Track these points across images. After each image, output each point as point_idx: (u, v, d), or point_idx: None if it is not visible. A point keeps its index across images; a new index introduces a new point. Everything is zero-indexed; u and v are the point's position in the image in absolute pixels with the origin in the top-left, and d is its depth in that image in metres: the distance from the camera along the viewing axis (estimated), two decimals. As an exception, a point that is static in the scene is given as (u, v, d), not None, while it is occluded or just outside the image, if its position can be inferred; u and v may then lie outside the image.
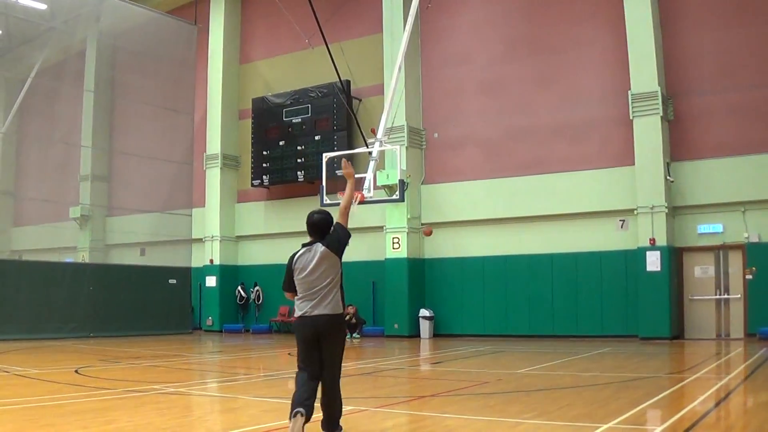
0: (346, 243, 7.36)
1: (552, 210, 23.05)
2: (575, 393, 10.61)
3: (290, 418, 6.61)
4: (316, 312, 7.01)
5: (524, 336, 23.00)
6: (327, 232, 7.40)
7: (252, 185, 28.69)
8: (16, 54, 31.29)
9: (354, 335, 23.90)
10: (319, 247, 7.23)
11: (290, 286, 7.27)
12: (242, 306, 29.03)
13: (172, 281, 27.44)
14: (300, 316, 7.10)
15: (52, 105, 30.44)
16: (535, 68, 23.82)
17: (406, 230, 24.69)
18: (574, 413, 8.74)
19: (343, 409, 7.25)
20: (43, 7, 28.06)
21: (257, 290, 28.50)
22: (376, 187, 21.81)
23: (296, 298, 7.21)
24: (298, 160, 27.19)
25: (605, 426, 7.67)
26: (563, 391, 10.90)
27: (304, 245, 7.43)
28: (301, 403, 6.64)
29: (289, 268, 7.32)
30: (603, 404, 9.33)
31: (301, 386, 6.89)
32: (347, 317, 24.16)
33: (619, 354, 17.40)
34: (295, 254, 7.38)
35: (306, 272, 7.14)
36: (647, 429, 8.11)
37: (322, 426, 7.08)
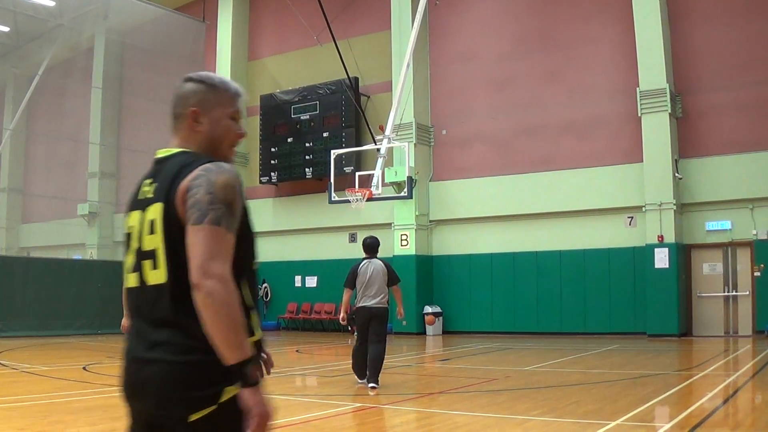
0: (396, 280, 11.72)
1: (560, 207, 23.01)
2: (584, 390, 10.59)
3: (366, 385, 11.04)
4: (370, 304, 11.29)
5: (532, 333, 22.98)
6: (377, 250, 11.79)
7: (260, 182, 28.69)
8: (24, 51, 31.38)
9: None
10: (379, 264, 11.50)
11: (351, 284, 11.54)
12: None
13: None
14: (360, 306, 11.40)
15: (61, 102, 30.52)
16: (544, 65, 23.77)
17: (414, 227, 24.67)
18: (582, 410, 8.73)
19: (382, 367, 11.12)
20: (51, 4, 28.11)
21: (265, 287, 28.50)
22: (384, 184, 21.81)
23: (358, 293, 11.43)
24: (307, 157, 27.18)
25: (614, 423, 7.66)
26: (571, 388, 10.89)
27: (364, 259, 11.62)
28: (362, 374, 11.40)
29: (353, 272, 11.52)
30: (611, 401, 9.31)
31: (359, 357, 11.49)
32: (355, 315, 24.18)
33: (628, 351, 17.38)
34: (359, 264, 11.57)
35: (367, 278, 11.36)
36: (655, 426, 8.09)
37: (368, 379, 11.06)
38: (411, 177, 21.99)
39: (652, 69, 21.44)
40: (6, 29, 29.89)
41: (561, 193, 22.95)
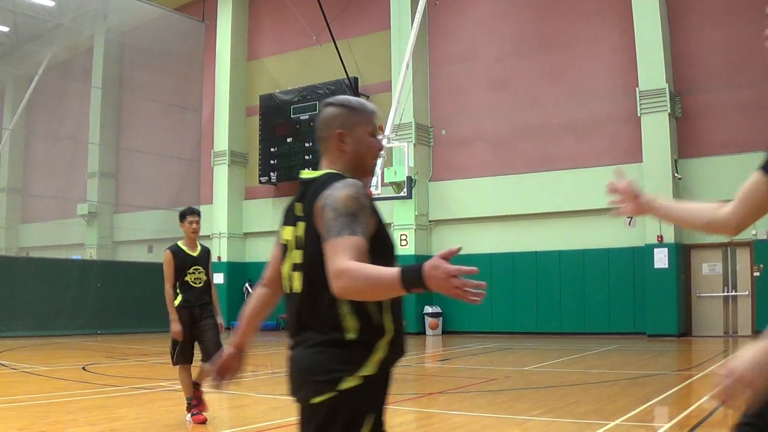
0: None
1: (559, 207, 23.02)
2: (583, 390, 10.60)
3: None
4: None
5: (531, 333, 22.99)
6: None
7: (260, 182, 28.70)
8: (23, 51, 31.38)
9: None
10: None
11: None
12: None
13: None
14: None
15: (60, 102, 30.52)
16: (543, 65, 23.77)
17: (414, 227, 24.68)
18: (581, 410, 8.74)
19: None
20: (50, 4, 28.12)
21: (264, 287, 28.49)
22: (383, 184, 21.81)
23: None
24: (306, 157, 27.19)
25: (613, 423, 7.66)
26: (571, 388, 10.90)
27: None
28: None
29: None
30: (611, 401, 9.32)
31: None
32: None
33: (627, 351, 17.38)
34: None
35: None
36: (655, 426, 8.09)
37: None
38: (410, 177, 21.98)
39: (652, 69, 21.45)
40: (5, 29, 29.89)
41: (560, 193, 22.95)
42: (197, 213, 8.77)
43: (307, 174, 3.07)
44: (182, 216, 8.68)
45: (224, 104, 29.90)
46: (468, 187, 24.66)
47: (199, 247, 8.72)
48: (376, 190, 21.44)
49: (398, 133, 23.45)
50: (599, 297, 22.25)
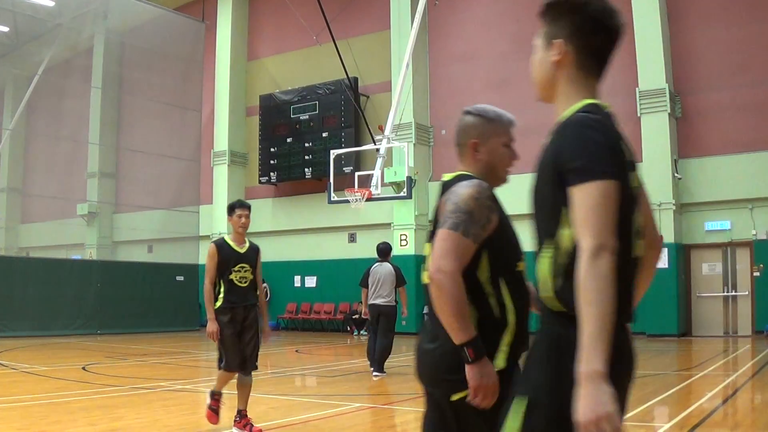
0: (403, 282, 13.55)
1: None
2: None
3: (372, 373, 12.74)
4: (380, 302, 13.03)
5: (531, 332, 22.94)
6: (389, 254, 13.78)
7: (259, 182, 28.70)
8: (23, 51, 31.39)
9: (362, 332, 23.90)
10: (389, 267, 13.30)
11: (365, 284, 13.27)
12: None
13: (180, 278, 27.47)
14: (371, 304, 13.12)
15: (60, 102, 30.53)
16: (543, 65, 23.75)
17: (414, 227, 24.66)
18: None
19: (388, 357, 13.06)
20: (50, 4, 28.12)
21: (265, 287, 28.45)
22: (383, 184, 21.80)
23: (370, 292, 13.13)
24: (306, 157, 27.19)
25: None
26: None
27: (376, 261, 13.55)
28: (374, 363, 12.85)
29: (367, 273, 13.32)
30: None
31: (371, 347, 13.05)
32: (355, 315, 24.20)
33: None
34: (372, 266, 13.47)
35: (377, 278, 13.10)
36: (655, 426, 8.09)
37: (375, 365, 12.76)
38: (410, 177, 21.98)
39: (652, 69, 21.45)
40: (5, 29, 29.91)
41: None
42: (247, 207, 8.00)
43: (445, 176, 3.33)
44: (231, 209, 7.97)
45: (224, 104, 29.90)
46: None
47: (247, 244, 7.97)
48: (376, 190, 21.44)
49: (398, 133, 23.46)
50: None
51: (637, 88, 21.56)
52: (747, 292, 20.81)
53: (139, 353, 17.88)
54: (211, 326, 7.77)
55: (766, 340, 19.01)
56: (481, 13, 25.12)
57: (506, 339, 2.97)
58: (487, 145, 3.31)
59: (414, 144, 24.52)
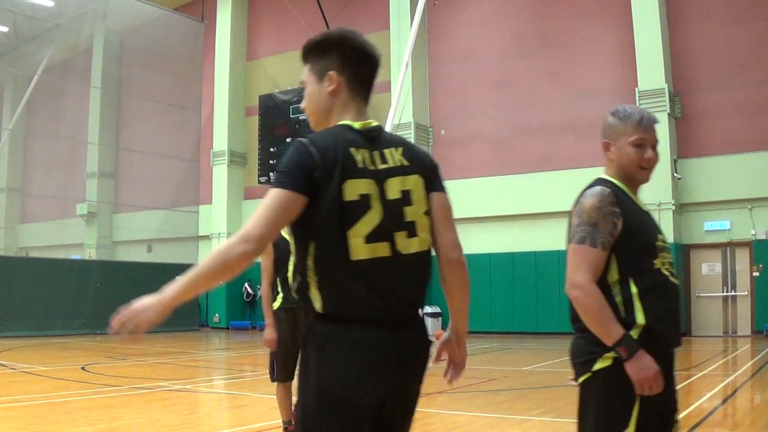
0: None
1: (559, 207, 22.99)
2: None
3: None
4: None
5: (531, 333, 22.98)
6: None
7: (259, 182, 28.70)
8: (22, 51, 31.45)
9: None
10: None
11: None
12: (249, 303, 29.03)
13: (179, 278, 27.41)
14: None
15: (59, 102, 30.54)
16: (543, 64, 23.77)
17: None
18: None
19: None
20: (50, 4, 28.12)
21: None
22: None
23: None
24: (305, 157, 27.18)
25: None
26: (571, 389, 10.87)
27: None
28: None
29: None
30: (610, 401, 9.26)
31: None
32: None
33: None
34: None
35: None
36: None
37: None
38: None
39: (651, 69, 21.46)
40: (5, 29, 29.92)
41: (560, 193, 22.92)
42: None
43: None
44: None
45: (223, 104, 29.91)
46: (467, 187, 24.62)
47: None
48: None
49: (397, 133, 23.42)
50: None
51: (636, 88, 21.58)
52: (746, 292, 20.81)
53: (138, 353, 17.88)
54: (271, 333, 6.70)
55: (766, 340, 19.02)
56: (481, 13, 25.11)
57: (633, 334, 3.06)
58: (616, 144, 3.34)
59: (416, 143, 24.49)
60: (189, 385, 11.79)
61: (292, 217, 2.57)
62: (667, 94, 21.12)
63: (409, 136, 24.57)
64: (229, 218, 29.36)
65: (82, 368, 14.08)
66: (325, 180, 2.62)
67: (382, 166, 2.77)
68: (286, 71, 29.04)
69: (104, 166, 30.86)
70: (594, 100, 22.74)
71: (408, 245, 2.68)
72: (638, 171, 3.32)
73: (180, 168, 29.44)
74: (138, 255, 29.48)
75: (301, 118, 27.60)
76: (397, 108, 22.23)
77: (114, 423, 8.14)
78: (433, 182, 2.89)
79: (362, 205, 2.64)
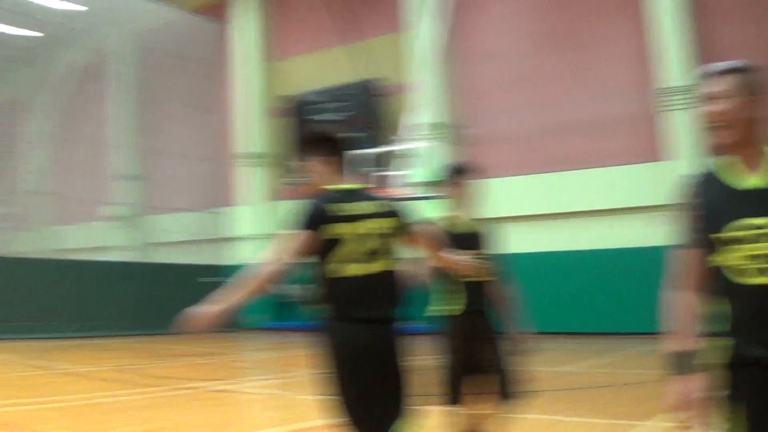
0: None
1: (594, 205, 22.83)
2: (614, 391, 10.65)
3: None
4: None
5: (560, 333, 22.85)
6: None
7: (285, 184, 28.79)
8: (48, 56, 31.84)
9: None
10: None
11: None
12: (284, 303, 28.86)
13: (210, 279, 27.58)
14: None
15: (86, 105, 30.84)
16: (564, 63, 23.72)
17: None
18: (614, 411, 8.81)
19: None
20: (75, 8, 28.48)
21: (297, 287, 28.34)
22: (409, 185, 21.91)
23: None
24: (331, 158, 27.22)
25: (645, 423, 7.75)
26: (603, 390, 10.93)
27: None
28: None
29: None
30: (643, 402, 9.35)
31: None
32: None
33: (659, 351, 17.28)
34: None
35: None
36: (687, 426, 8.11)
37: None
38: (433, 178, 22.06)
39: (672, 66, 21.43)
40: (35, 34, 30.40)
41: (596, 191, 22.79)
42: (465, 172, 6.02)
43: None
44: (452, 175, 5.97)
45: (249, 105, 29.99)
46: (491, 187, 24.53)
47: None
48: (402, 190, 21.57)
49: (421, 134, 23.50)
50: (632, 295, 21.82)
51: (657, 85, 21.55)
52: None
53: (176, 353, 18.02)
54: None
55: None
56: (502, 12, 25.04)
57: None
58: None
59: (437, 144, 24.49)
60: (230, 385, 11.91)
61: None
62: (690, 91, 21.05)
63: (433, 136, 24.44)
64: (258, 220, 29.51)
65: (123, 368, 14.26)
66: None
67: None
68: (311, 72, 29.11)
69: (132, 169, 31.08)
70: (621, 96, 22.63)
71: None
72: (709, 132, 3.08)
73: (207, 169, 29.63)
74: (168, 256, 29.67)
75: (327, 119, 27.67)
76: (420, 108, 22.22)
77: (153, 424, 8.24)
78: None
79: (335, 241, 4.12)
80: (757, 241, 2.77)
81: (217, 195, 29.70)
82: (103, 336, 23.59)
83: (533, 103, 24.20)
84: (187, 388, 11.30)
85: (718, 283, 2.86)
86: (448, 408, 5.38)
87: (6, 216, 31.11)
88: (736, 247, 2.80)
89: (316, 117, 27.96)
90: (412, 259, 4.83)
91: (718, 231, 2.85)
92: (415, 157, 23.55)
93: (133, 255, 29.67)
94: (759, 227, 2.78)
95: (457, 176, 5.90)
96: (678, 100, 21.20)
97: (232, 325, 27.14)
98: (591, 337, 21.29)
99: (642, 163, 22.22)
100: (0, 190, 31.87)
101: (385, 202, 4.18)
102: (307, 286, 4.08)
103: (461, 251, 4.98)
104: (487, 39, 25.28)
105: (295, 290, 24.41)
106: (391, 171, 23.35)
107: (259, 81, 30.35)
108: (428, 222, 4.96)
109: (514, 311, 5.75)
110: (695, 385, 2.82)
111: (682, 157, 21.07)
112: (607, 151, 22.78)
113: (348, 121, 27.18)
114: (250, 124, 30.02)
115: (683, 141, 21.16)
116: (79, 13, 28.81)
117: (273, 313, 29.11)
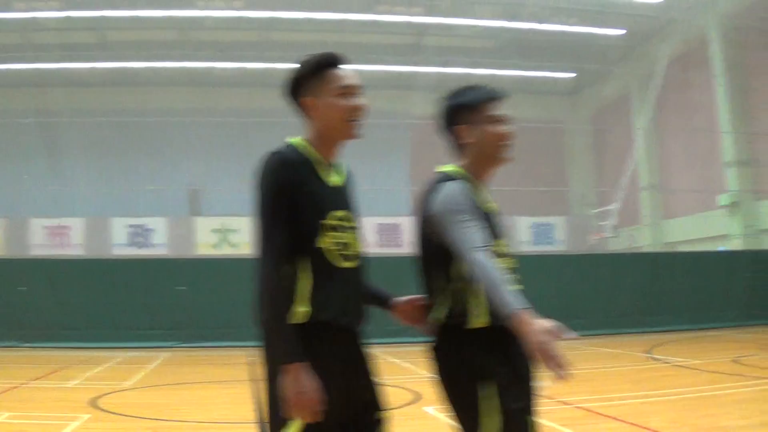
0: None
1: None
2: None
3: None
4: None
5: None
6: None
7: None
8: (640, 51, 32.57)
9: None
10: None
11: None
12: None
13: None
14: None
15: (685, 95, 30.76)
16: None
17: None
18: None
19: None
20: (660, 0, 28.74)
21: None
22: None
23: None
24: None
25: None
26: None
27: None
28: None
29: None
30: None
31: None
32: None
33: None
34: None
35: None
36: None
37: None
38: None
39: None
40: (622, 32, 31.39)
41: None
42: None
43: None
44: None
45: None
46: None
47: None
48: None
49: None
50: None
51: None
52: None
53: None
54: None
55: None
56: None
57: None
58: None
59: None
60: None
61: None
62: None
63: None
64: None
65: (735, 360, 13.77)
66: None
67: None
68: None
69: (740, 154, 29.78)
70: None
71: None
72: None
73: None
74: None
75: None
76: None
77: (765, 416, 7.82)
78: None
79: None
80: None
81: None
82: (716, 327, 22.94)
83: None
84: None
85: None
86: None
87: (614, 213, 32.46)
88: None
89: None
90: None
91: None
92: None
93: (747, 243, 28.40)
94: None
95: None
96: None
97: None
98: None
99: None
100: (610, 187, 33.44)
101: None
102: None
103: None
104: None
105: None
106: None
107: None
108: None
109: None
110: None
111: None
112: None
113: None
114: None
115: None
116: (668, 3, 29.02)
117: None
